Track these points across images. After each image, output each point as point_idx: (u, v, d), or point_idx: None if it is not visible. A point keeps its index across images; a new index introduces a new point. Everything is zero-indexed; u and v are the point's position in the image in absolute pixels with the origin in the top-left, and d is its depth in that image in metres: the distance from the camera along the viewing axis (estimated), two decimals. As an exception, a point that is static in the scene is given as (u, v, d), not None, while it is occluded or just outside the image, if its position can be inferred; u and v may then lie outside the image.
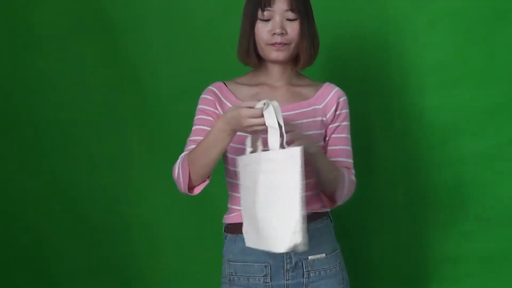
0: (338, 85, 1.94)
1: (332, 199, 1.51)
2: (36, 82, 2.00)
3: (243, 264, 1.49)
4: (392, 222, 2.01)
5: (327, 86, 1.59)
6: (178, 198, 1.88)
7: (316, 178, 1.46)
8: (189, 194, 1.46)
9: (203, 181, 1.45)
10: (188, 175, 1.42)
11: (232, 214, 1.53)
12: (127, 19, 2.00)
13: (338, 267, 1.55)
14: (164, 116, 2.03)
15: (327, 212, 1.57)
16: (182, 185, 1.44)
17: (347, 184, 1.49)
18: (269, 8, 1.45)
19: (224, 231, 1.57)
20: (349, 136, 1.57)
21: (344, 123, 1.56)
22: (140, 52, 2.01)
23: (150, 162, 2.05)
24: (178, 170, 1.44)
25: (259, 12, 1.46)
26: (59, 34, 1.99)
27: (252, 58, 1.51)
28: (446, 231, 1.96)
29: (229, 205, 1.56)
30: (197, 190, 1.46)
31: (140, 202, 2.08)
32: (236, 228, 1.49)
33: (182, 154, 1.46)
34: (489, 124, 1.90)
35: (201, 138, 1.43)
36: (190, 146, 1.47)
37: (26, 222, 2.03)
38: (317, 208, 1.52)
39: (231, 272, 1.51)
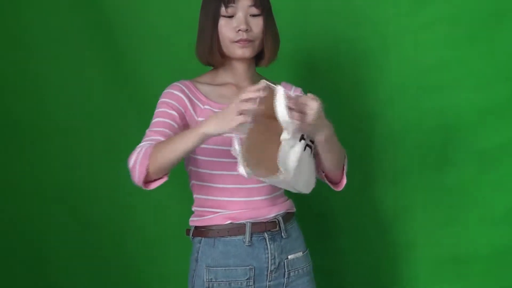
0: (337, 86, 1.96)
1: (340, 176, 1.51)
2: (35, 82, 2.01)
3: (225, 269, 1.44)
4: (392, 223, 2.01)
5: (285, 84, 1.60)
6: (182, 199, 1.89)
7: (333, 157, 1.45)
8: (144, 187, 1.35)
9: (160, 178, 1.36)
10: (146, 166, 1.32)
11: (209, 216, 1.47)
12: (127, 19, 2.02)
13: (310, 265, 1.58)
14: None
15: (295, 212, 1.60)
16: (137, 176, 1.33)
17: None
18: (232, 5, 1.42)
19: (195, 235, 1.49)
20: None
21: None
22: (140, 52, 2.03)
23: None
24: (136, 159, 1.33)
25: (222, 9, 1.43)
26: (58, 33, 2.00)
27: (216, 56, 1.46)
28: (446, 231, 1.96)
29: (200, 208, 1.50)
30: (153, 185, 1.36)
31: (141, 203, 2.08)
32: (214, 231, 1.45)
33: (144, 143, 1.37)
34: (489, 124, 1.91)
35: (163, 129, 1.39)
36: (152, 137, 1.38)
37: (26, 225, 2.03)
38: (288, 208, 1.56)
39: (211, 279, 1.44)
